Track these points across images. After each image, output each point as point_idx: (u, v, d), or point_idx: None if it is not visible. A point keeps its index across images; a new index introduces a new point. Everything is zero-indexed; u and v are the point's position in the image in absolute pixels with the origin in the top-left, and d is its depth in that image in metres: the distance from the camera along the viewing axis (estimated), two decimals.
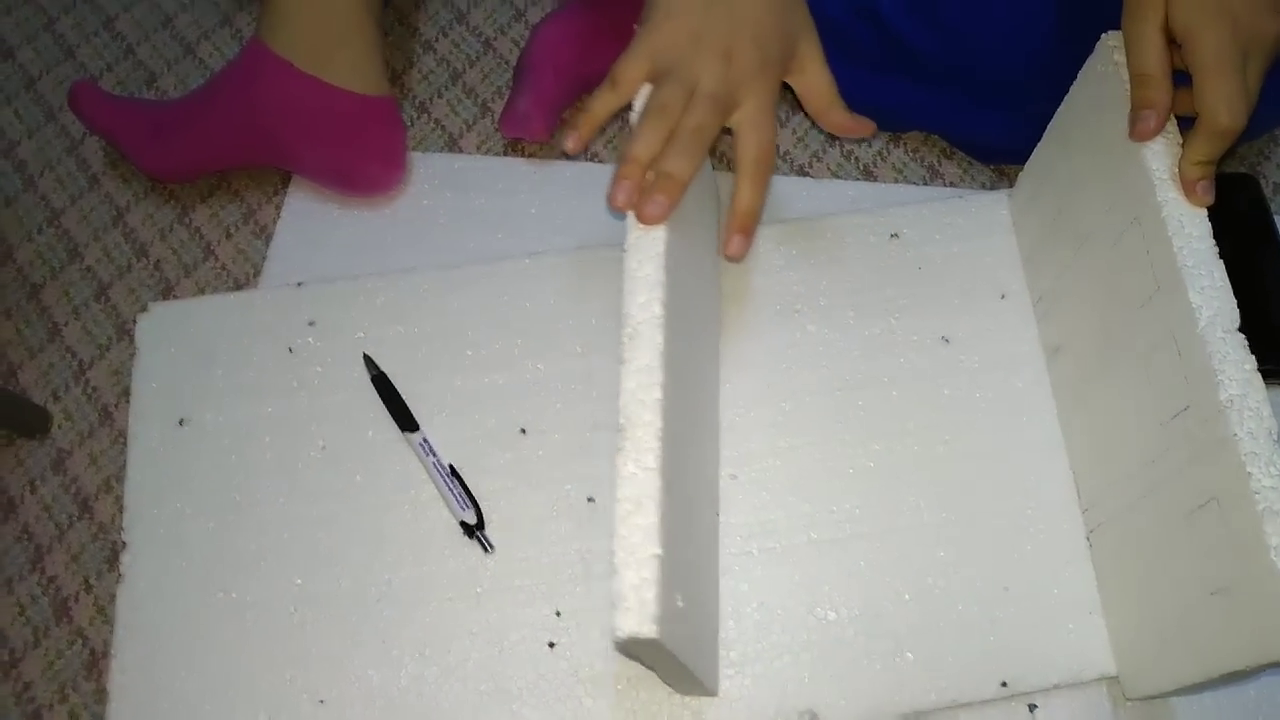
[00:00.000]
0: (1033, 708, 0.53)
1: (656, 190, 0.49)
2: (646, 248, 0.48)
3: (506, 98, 0.76)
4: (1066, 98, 0.54)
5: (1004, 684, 0.52)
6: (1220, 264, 0.45)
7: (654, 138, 0.51)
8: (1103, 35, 0.50)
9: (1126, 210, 0.49)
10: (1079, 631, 0.53)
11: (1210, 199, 0.46)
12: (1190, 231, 0.45)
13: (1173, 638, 0.47)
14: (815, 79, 0.59)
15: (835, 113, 0.60)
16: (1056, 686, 0.52)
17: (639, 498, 0.41)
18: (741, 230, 0.55)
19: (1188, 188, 0.46)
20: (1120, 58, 0.49)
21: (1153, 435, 0.47)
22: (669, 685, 0.51)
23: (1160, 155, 0.47)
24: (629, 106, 0.55)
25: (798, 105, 0.76)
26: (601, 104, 0.55)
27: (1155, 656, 0.49)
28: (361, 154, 0.70)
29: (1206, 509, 0.43)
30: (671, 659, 0.42)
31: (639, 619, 0.39)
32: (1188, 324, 0.44)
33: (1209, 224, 0.46)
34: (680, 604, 0.43)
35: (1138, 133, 0.47)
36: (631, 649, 0.41)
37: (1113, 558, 0.53)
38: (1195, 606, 0.44)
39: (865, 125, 0.60)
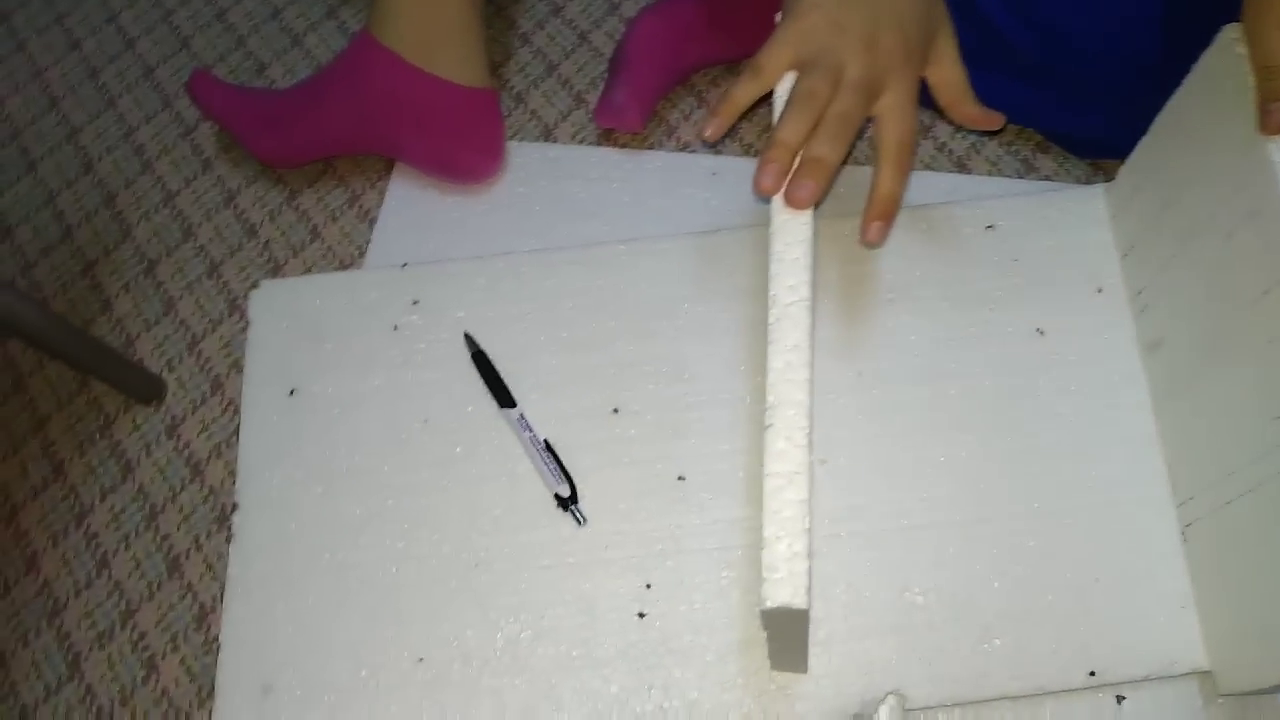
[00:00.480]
0: (1120, 699, 0.53)
1: (805, 175, 0.50)
2: (794, 231, 0.49)
3: (601, 89, 0.78)
4: (1179, 91, 0.54)
5: (1092, 674, 0.52)
6: None
7: (802, 123, 0.52)
8: (1223, 28, 0.50)
9: (1244, 204, 0.48)
10: (1170, 625, 0.53)
11: None
12: None
13: (1272, 634, 0.46)
14: (950, 71, 0.59)
15: (968, 105, 0.60)
16: (1146, 679, 0.52)
17: (790, 473, 0.42)
18: (882, 216, 0.55)
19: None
20: (1242, 50, 0.48)
21: (1261, 432, 0.47)
22: (771, 655, 0.52)
23: None
24: (769, 95, 0.56)
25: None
26: (743, 91, 0.55)
27: (1252, 653, 0.48)
28: (463, 144, 0.73)
29: None
30: (803, 632, 0.43)
31: (792, 590, 0.40)
32: None
33: None
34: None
35: (1268, 125, 0.46)
36: (776, 619, 0.42)
37: (1209, 552, 0.52)
38: None
39: (996, 118, 0.60)
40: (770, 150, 0.51)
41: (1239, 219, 0.49)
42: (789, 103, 0.53)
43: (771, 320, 0.46)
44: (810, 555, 0.41)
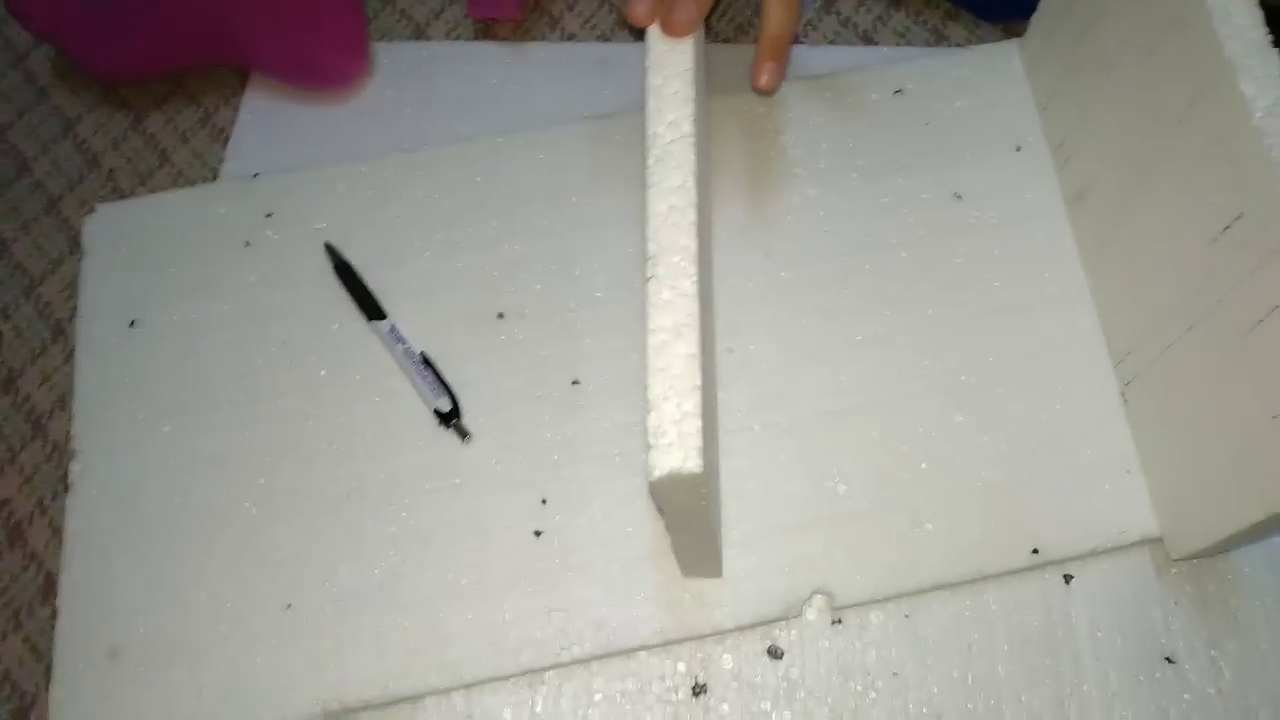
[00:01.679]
0: (1068, 578, 0.48)
1: (769, 57, 0.45)
2: (674, 63, 0.43)
3: None
4: None
5: (1035, 551, 0.47)
6: (1275, 52, 0.39)
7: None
8: None
9: (1161, 14, 0.43)
10: (1116, 493, 0.48)
11: None
12: (1239, 21, 0.40)
13: (1225, 480, 0.42)
14: None
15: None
16: (1094, 553, 0.47)
17: (677, 326, 0.37)
18: (773, 56, 0.49)
19: None
20: None
21: (1197, 259, 0.42)
22: (679, 560, 0.46)
23: None
24: None
25: None
26: None
27: (1204, 506, 0.44)
28: (320, 42, 0.65)
29: (1269, 321, 0.37)
30: (705, 511, 0.37)
31: (683, 453, 0.34)
32: (1239, 120, 0.38)
33: (1259, 10, 0.40)
34: (709, 452, 0.38)
35: None
36: (669, 493, 0.36)
37: (1151, 408, 0.47)
38: (1256, 437, 0.39)
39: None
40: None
41: (1159, 32, 0.44)
42: None
43: (650, 161, 0.40)
44: (703, 416, 0.35)
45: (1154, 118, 0.45)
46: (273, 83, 0.68)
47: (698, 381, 0.36)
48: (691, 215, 0.39)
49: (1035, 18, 0.57)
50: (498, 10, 0.67)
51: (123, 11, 0.66)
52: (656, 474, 0.35)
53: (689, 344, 0.37)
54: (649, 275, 0.38)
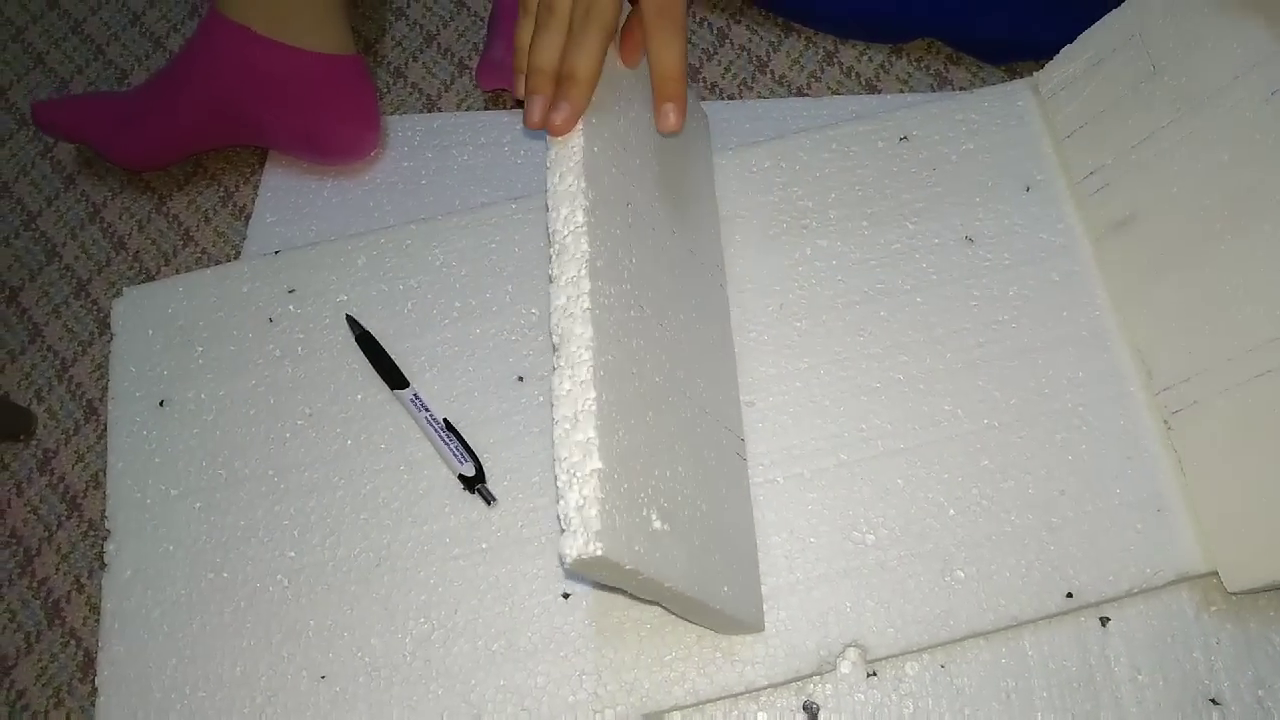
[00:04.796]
0: (1105, 620, 0.47)
1: (560, 97, 0.44)
2: (564, 160, 0.43)
3: (482, 51, 0.73)
4: None
5: (1069, 595, 0.47)
6: None
7: (552, 37, 0.45)
8: None
9: (1244, 51, 0.43)
10: (1148, 531, 0.48)
11: None
12: None
13: None
14: None
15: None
16: (1129, 593, 0.47)
17: (575, 414, 0.38)
18: (670, 98, 0.46)
19: None
20: None
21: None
22: (707, 626, 0.46)
23: None
24: None
25: (789, 27, 0.72)
26: (524, 33, 0.47)
27: (1267, 538, 0.43)
28: (332, 116, 0.67)
29: None
30: (654, 584, 0.38)
31: (584, 539, 0.35)
32: None
33: None
34: (659, 525, 0.38)
35: None
36: (587, 573, 0.37)
37: (1206, 438, 0.47)
38: None
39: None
40: (528, 80, 0.45)
41: (1246, 66, 0.44)
42: (526, 16, 0.46)
43: (551, 256, 0.41)
44: (601, 495, 0.36)
45: (1248, 150, 0.44)
46: (290, 159, 0.70)
47: (597, 465, 0.36)
48: (585, 303, 0.39)
49: (1070, 49, 0.57)
50: (506, 81, 0.69)
51: (142, 108, 0.68)
52: (567, 562, 0.35)
53: (585, 430, 0.37)
54: (553, 368, 0.39)
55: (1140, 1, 0.53)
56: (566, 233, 0.41)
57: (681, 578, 0.39)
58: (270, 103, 0.65)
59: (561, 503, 0.36)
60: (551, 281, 0.41)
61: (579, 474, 0.36)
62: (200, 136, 0.69)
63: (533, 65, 0.45)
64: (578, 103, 0.44)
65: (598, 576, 0.38)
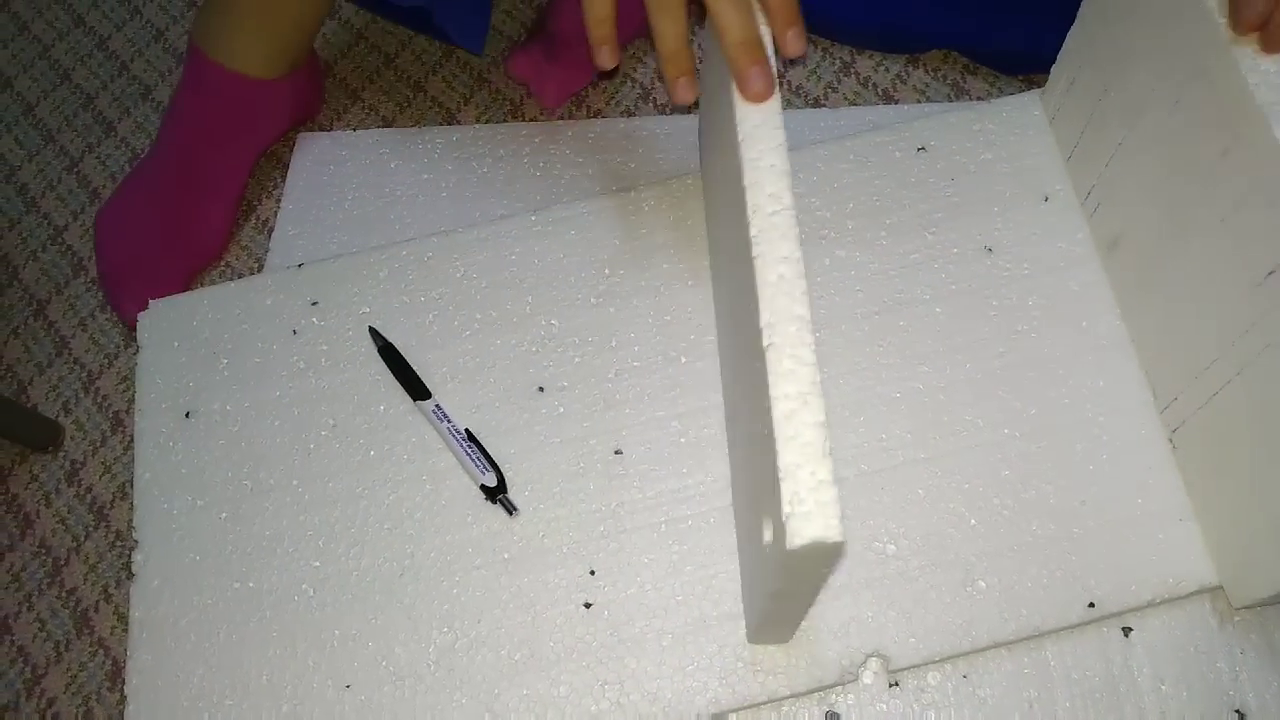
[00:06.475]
0: (1127, 631, 0.47)
1: (751, 63, 0.43)
2: (765, 138, 0.42)
3: (525, 39, 0.73)
4: None
5: (1091, 605, 0.47)
6: None
7: (677, 25, 0.45)
8: None
9: (1186, 65, 0.44)
10: (1170, 542, 0.48)
11: None
12: (1266, 67, 0.40)
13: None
14: None
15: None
16: (1151, 604, 0.47)
17: (802, 394, 0.36)
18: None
19: (1257, 29, 0.41)
20: None
21: (1241, 306, 0.42)
22: (756, 627, 0.45)
23: None
24: None
25: (806, 38, 0.72)
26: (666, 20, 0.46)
27: (1265, 553, 0.43)
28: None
29: None
30: (821, 580, 0.37)
31: (824, 522, 0.33)
32: (1276, 167, 0.38)
33: None
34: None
35: (1242, 23, 0.41)
36: (805, 560, 0.35)
37: (1202, 454, 0.47)
38: None
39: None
40: (667, 66, 0.45)
41: (1184, 82, 0.44)
42: (651, 11, 0.46)
43: (754, 233, 0.40)
44: (833, 479, 0.35)
45: (1185, 165, 0.45)
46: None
47: (830, 449, 0.35)
48: (802, 284, 0.39)
49: (1056, 67, 0.58)
50: (539, 88, 0.69)
51: (155, 212, 0.69)
52: (798, 542, 0.34)
53: (816, 412, 0.36)
54: (766, 344, 0.38)
55: (1085, 17, 0.53)
56: (774, 210, 0.40)
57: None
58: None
59: (789, 481, 0.35)
60: (757, 257, 0.40)
61: (811, 454, 0.35)
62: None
63: (745, 39, 0.44)
64: (769, 64, 0.43)
65: (807, 564, 0.36)
